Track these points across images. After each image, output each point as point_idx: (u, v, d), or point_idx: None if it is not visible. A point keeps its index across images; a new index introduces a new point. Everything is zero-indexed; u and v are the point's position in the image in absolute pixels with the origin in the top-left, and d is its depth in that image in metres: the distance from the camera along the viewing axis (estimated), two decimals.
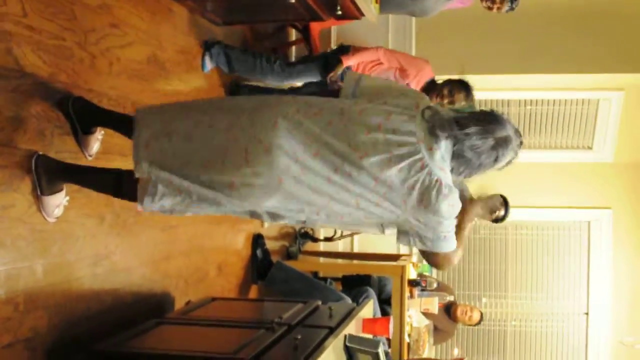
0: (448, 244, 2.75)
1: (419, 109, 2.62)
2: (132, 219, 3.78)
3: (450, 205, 2.60)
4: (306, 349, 2.98)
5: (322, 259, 7.12)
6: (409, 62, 4.82)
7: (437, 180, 2.53)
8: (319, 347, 3.07)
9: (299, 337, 3.12)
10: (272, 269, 5.68)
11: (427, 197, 2.53)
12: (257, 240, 5.76)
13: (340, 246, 7.61)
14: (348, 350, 3.41)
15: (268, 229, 6.02)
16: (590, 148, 7.89)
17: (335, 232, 7.21)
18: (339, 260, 7.17)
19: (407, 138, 2.53)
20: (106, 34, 3.54)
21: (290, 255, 6.57)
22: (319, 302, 4.09)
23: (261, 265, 5.69)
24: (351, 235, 7.36)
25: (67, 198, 3.13)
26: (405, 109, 2.62)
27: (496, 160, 2.62)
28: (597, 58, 6.69)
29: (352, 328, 3.64)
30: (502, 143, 2.58)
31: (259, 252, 5.72)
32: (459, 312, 6.66)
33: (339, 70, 4.72)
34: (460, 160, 2.59)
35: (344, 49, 4.80)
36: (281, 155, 2.58)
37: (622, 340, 7.90)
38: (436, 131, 2.54)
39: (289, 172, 2.60)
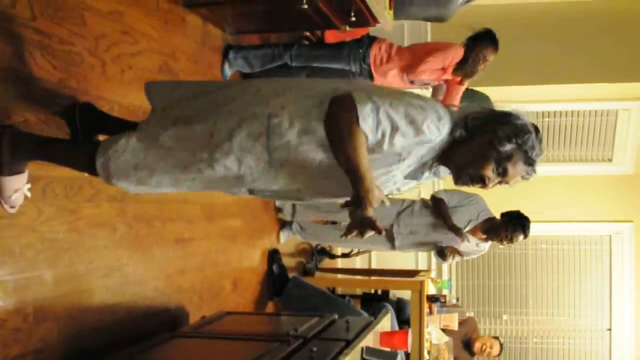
0: None
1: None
2: (144, 230, 3.71)
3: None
4: None
5: (339, 276, 7.04)
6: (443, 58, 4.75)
7: None
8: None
9: (315, 349, 3.03)
10: (288, 284, 5.60)
11: None
12: (273, 255, 5.68)
13: (357, 262, 7.54)
14: None
15: (284, 245, 5.94)
16: (609, 160, 7.79)
17: (352, 248, 7.14)
18: (357, 277, 7.08)
19: None
20: (117, 40, 3.49)
21: (307, 272, 6.49)
22: (336, 316, 4.00)
23: (277, 281, 5.61)
24: (369, 251, 7.28)
25: (29, 186, 2.79)
26: None
27: (501, 119, 2.53)
28: (615, 66, 6.59)
29: (370, 341, 3.55)
30: (509, 113, 2.55)
31: (275, 267, 5.64)
32: (477, 346, 6.52)
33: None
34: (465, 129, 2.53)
35: (369, 39, 4.72)
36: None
37: None
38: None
39: None
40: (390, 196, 2.60)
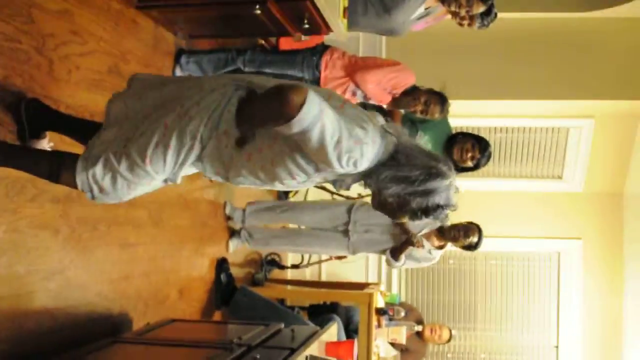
0: None
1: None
2: (87, 234, 3.64)
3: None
4: None
5: (289, 287, 6.99)
6: (392, 78, 4.77)
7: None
8: None
9: (258, 357, 3.00)
10: (236, 294, 5.54)
11: None
12: (222, 264, 5.62)
13: (307, 274, 7.51)
14: None
15: (233, 255, 5.89)
16: (560, 177, 7.87)
17: (302, 259, 7.12)
18: (306, 289, 7.05)
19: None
20: (66, 40, 3.43)
21: (256, 282, 6.43)
22: (282, 325, 3.96)
23: (225, 291, 5.55)
24: (319, 262, 7.26)
25: None
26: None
27: (424, 180, 2.40)
28: (567, 84, 6.69)
29: (315, 350, 3.53)
30: (438, 172, 2.43)
31: (223, 276, 5.58)
32: (427, 331, 6.51)
33: None
34: (390, 162, 2.45)
35: (324, 48, 4.73)
36: None
37: None
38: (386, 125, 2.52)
39: None
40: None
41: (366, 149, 2.37)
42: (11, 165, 2.87)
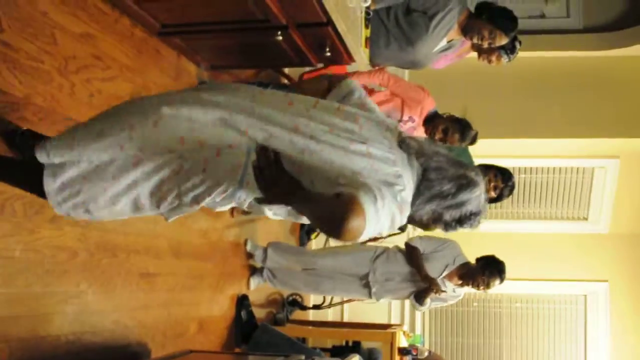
0: None
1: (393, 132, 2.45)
2: (107, 260, 3.61)
3: None
4: None
5: (311, 327, 6.90)
6: (411, 97, 4.74)
7: None
8: None
9: None
10: (256, 331, 5.47)
11: None
12: (242, 301, 5.56)
13: (330, 315, 7.42)
14: None
15: (255, 294, 5.82)
16: (585, 219, 7.78)
17: (324, 300, 7.03)
18: (328, 328, 6.96)
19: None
20: (88, 64, 3.44)
21: (277, 322, 6.36)
22: (302, 357, 3.89)
23: (245, 327, 5.48)
24: (341, 303, 7.17)
25: None
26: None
27: (456, 193, 2.35)
28: (592, 122, 6.67)
29: None
30: (469, 181, 2.37)
31: (243, 313, 5.52)
32: None
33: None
34: (423, 183, 2.36)
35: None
36: None
37: None
38: (405, 143, 2.39)
39: None
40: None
41: (407, 194, 2.29)
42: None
